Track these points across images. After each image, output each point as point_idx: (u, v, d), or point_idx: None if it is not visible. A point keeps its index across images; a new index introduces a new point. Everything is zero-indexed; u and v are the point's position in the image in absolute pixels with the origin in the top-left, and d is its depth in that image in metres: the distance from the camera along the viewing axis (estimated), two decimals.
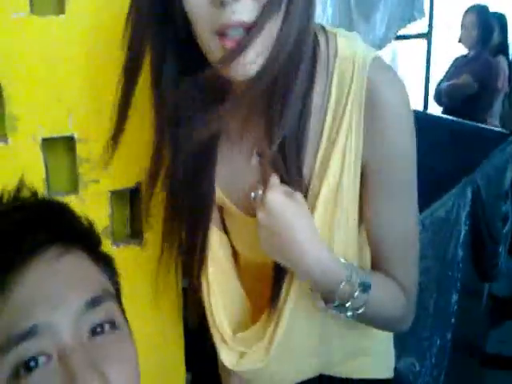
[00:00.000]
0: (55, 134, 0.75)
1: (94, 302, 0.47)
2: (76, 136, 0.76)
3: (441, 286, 1.56)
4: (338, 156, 0.68)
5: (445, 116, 2.51)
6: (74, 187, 0.79)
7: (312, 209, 0.69)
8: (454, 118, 2.30)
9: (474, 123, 2.29)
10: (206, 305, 0.80)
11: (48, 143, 0.76)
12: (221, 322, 0.79)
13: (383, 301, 0.72)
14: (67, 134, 0.76)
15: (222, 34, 0.60)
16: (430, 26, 3.36)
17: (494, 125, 3.03)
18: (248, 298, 0.82)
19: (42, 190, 0.75)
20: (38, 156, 0.74)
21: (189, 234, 0.78)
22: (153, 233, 0.84)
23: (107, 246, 0.80)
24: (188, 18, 0.62)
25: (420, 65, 3.70)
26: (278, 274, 0.73)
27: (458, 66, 3.19)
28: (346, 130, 0.68)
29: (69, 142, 0.78)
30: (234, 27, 0.59)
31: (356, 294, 0.67)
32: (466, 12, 3.19)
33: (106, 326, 0.48)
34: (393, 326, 0.80)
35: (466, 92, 3.02)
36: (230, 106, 0.67)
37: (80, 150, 0.77)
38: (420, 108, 3.40)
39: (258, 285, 0.79)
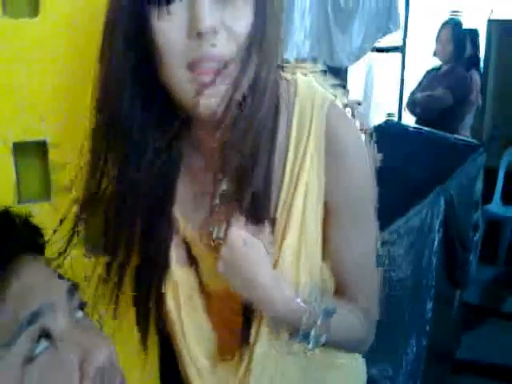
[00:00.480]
0: (27, 139, 0.74)
1: (72, 289, 0.51)
2: (49, 141, 0.75)
3: (416, 294, 1.58)
4: (301, 195, 0.69)
5: (419, 127, 2.54)
6: (46, 194, 0.77)
7: (279, 248, 0.70)
8: (428, 129, 2.34)
9: (448, 134, 2.33)
10: (179, 340, 0.79)
11: (20, 148, 0.74)
12: (197, 357, 0.79)
13: (345, 327, 0.74)
14: (40, 138, 0.74)
15: (194, 67, 0.60)
16: (405, 39, 3.42)
17: (465, 136, 3.10)
18: (218, 332, 0.82)
19: (11, 197, 0.73)
20: (8, 161, 0.72)
21: (144, 271, 0.76)
22: None
23: (80, 256, 0.79)
24: (158, 53, 0.61)
25: (394, 76, 3.76)
26: (247, 311, 0.73)
27: (433, 78, 3.25)
28: (308, 170, 0.69)
29: (42, 148, 0.76)
30: (211, 61, 0.59)
31: (319, 321, 0.68)
32: (442, 27, 3.25)
33: (84, 313, 0.52)
34: (354, 349, 0.83)
35: (443, 104, 3.09)
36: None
37: (53, 155, 0.75)
38: (394, 119, 3.45)
39: (231, 319, 0.79)
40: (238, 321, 0.75)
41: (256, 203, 0.68)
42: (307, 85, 0.71)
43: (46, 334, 0.46)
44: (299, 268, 0.71)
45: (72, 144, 0.76)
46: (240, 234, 0.66)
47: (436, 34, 3.27)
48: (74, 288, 0.51)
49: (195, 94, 0.61)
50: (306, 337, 0.69)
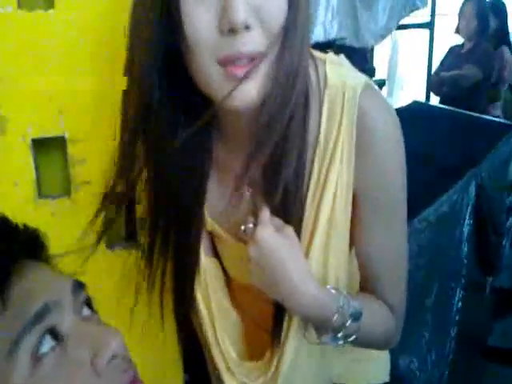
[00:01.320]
0: (46, 135, 0.73)
1: (77, 286, 0.50)
2: (67, 136, 0.73)
3: (444, 283, 1.54)
4: (331, 186, 0.67)
5: (448, 107, 2.46)
6: (66, 189, 0.76)
7: (310, 240, 0.69)
8: (458, 110, 2.27)
9: (478, 114, 2.25)
10: (208, 332, 0.78)
11: (39, 144, 0.74)
12: (226, 349, 0.78)
13: (374, 326, 0.72)
14: (58, 134, 0.73)
15: (227, 63, 0.57)
16: (433, 15, 3.30)
17: (495, 115, 3.01)
18: (246, 323, 0.81)
19: (31, 193, 0.73)
20: (28, 157, 0.72)
21: (178, 263, 0.76)
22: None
23: (102, 250, 0.78)
24: (187, 46, 0.58)
25: (420, 54, 3.65)
26: (278, 307, 0.72)
27: (457, 56, 3.14)
28: (339, 161, 0.66)
29: (61, 143, 0.75)
30: (245, 57, 0.57)
31: (348, 323, 0.66)
32: (465, 2, 3.14)
33: (91, 310, 0.52)
34: (382, 346, 0.81)
35: (472, 82, 2.99)
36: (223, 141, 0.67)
37: (72, 150, 0.74)
38: (422, 99, 3.36)
39: (257, 311, 0.78)
40: (265, 312, 0.74)
41: (285, 195, 0.66)
42: (337, 71, 0.67)
43: (53, 332, 0.45)
44: (327, 264, 0.70)
45: (91, 138, 0.75)
46: (267, 233, 0.64)
47: (459, 10, 3.16)
48: (78, 285, 0.50)
49: (229, 89, 0.58)
50: (334, 336, 0.67)
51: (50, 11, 0.71)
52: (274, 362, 0.74)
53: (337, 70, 0.68)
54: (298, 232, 0.68)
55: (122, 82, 0.74)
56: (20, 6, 0.69)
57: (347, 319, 0.66)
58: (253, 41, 0.56)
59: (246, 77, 0.57)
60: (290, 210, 0.67)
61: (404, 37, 4.38)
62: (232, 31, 0.54)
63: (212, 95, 0.61)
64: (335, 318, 0.65)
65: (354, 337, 0.68)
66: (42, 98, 0.72)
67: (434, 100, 3.42)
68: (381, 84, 3.72)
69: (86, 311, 0.50)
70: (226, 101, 0.59)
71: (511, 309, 2.49)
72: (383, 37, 2.74)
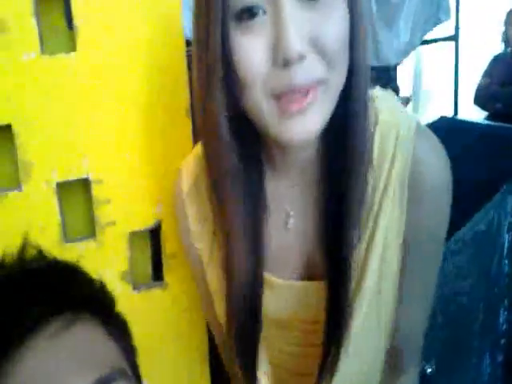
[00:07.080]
0: (70, 178, 0.73)
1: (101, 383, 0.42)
2: (91, 178, 0.73)
3: (487, 306, 1.47)
4: (382, 230, 0.62)
5: (477, 120, 2.39)
6: (91, 231, 0.76)
7: (357, 290, 0.63)
8: (487, 122, 2.20)
9: (508, 125, 2.17)
10: None
11: (63, 186, 0.74)
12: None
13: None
14: (82, 176, 0.73)
15: (281, 97, 0.52)
16: (457, 28, 3.24)
17: None
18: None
19: (57, 237, 0.73)
20: (52, 202, 0.72)
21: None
22: (175, 273, 0.80)
23: (127, 292, 0.77)
24: (239, 80, 0.53)
25: (445, 66, 3.58)
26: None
27: (510, 66, 2.94)
28: (391, 206, 0.61)
29: (84, 185, 0.75)
30: (299, 91, 0.52)
31: None
32: None
33: None
34: None
35: None
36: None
37: (96, 191, 0.74)
38: (449, 112, 3.28)
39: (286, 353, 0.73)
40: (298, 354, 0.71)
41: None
42: (387, 108, 0.63)
43: None
44: (380, 316, 0.65)
45: (114, 179, 0.74)
46: None
47: (506, 18, 3.00)
48: (110, 379, 0.42)
49: (282, 124, 0.53)
50: None
51: (72, 54, 0.71)
52: None
53: (387, 105, 0.63)
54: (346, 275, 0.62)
55: (145, 122, 0.74)
56: (43, 50, 0.70)
57: None
58: (308, 70, 0.51)
59: (300, 113, 0.52)
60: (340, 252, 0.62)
61: (427, 50, 4.33)
62: (286, 63, 0.50)
63: (263, 129, 0.56)
64: None
65: None
66: (66, 141, 0.72)
67: (463, 112, 3.33)
68: (406, 101, 3.65)
69: None
70: (280, 136, 0.54)
71: None
72: (407, 53, 2.70)
